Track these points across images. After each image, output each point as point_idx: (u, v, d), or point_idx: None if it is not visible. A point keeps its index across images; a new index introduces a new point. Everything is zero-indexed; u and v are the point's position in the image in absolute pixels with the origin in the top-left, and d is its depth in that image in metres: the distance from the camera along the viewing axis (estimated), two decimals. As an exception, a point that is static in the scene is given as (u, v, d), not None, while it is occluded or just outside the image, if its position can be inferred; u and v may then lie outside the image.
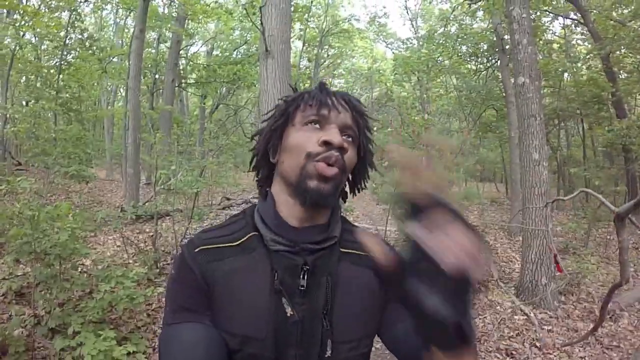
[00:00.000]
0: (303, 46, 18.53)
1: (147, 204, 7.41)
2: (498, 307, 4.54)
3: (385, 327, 0.79)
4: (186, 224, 5.76)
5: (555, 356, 3.53)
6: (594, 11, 12.44)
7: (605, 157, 14.18)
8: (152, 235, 5.91)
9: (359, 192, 0.87)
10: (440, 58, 14.67)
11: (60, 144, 7.07)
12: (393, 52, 20.83)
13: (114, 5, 14.36)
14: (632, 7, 10.85)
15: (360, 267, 0.78)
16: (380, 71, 22.35)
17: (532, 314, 4.30)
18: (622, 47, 11.57)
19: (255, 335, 0.70)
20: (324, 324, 0.72)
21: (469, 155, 16.14)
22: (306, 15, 16.51)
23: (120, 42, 17.35)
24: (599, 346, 3.74)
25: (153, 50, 15.79)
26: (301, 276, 0.72)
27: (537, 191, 4.54)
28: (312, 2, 16.66)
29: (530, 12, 12.44)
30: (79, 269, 3.43)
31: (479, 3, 12.08)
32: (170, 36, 14.19)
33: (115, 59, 15.53)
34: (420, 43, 18.74)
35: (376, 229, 8.19)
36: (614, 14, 11.81)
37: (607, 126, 10.88)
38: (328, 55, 20.66)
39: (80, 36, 12.41)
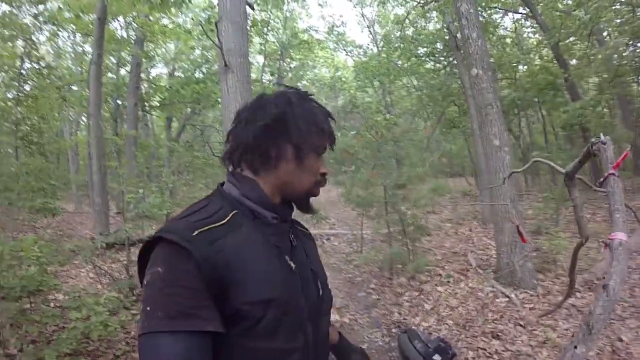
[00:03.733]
0: (264, 60, 18.58)
1: (117, 232, 7.21)
2: (479, 294, 4.62)
3: None
4: None
5: (540, 332, 3.62)
6: (541, 4, 13.10)
7: (566, 140, 14.77)
8: (125, 264, 5.75)
9: None
10: (399, 61, 15.06)
11: (22, 179, 6.80)
12: (353, 60, 21.22)
13: (70, 32, 14.00)
14: None
15: (307, 237, 1.05)
16: (343, 79, 22.67)
17: (513, 295, 4.41)
18: (570, 36, 12.20)
19: (274, 296, 0.76)
20: (311, 268, 0.93)
21: (434, 150, 16.59)
22: (265, 29, 16.61)
23: (79, 69, 16.93)
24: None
25: (113, 76, 15.46)
26: (290, 236, 0.92)
27: (501, 175, 4.67)
28: (270, 16, 16.77)
29: (481, 9, 13.11)
30: (51, 304, 3.30)
31: (432, 4, 12.51)
32: (130, 59, 13.95)
33: (75, 87, 15.11)
34: (379, 48, 19.17)
35: (352, 234, 8.24)
36: (559, 5, 12.45)
37: (562, 109, 11.42)
38: (290, 67, 20.78)
39: (37, 65, 12.02)
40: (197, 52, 17.98)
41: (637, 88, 12.93)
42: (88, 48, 16.24)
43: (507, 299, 4.39)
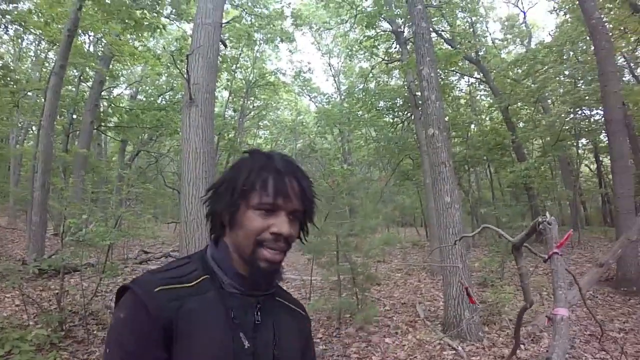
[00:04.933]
0: (229, 96, 18.67)
1: (53, 257, 6.70)
2: (427, 346, 4.66)
3: None
4: (97, 280, 5.22)
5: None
6: (494, 71, 14.32)
7: (512, 196, 15.74)
8: (57, 293, 5.32)
9: None
10: (360, 112, 15.70)
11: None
12: (316, 106, 21.90)
13: (36, 35, 13.43)
14: (525, 68, 12.61)
15: (290, 315, 0.96)
16: (304, 123, 23.24)
17: (459, 348, 4.49)
18: (518, 101, 13.36)
19: None
20: (274, 352, 0.86)
21: (388, 202, 17.10)
22: (234, 66, 16.82)
23: (38, 75, 16.16)
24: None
25: (73, 89, 14.87)
26: (256, 313, 0.86)
27: (451, 231, 4.90)
28: (240, 53, 17.05)
29: (440, 72, 14.10)
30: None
31: (395, 63, 13.30)
32: (93, 75, 13.53)
33: (30, 94, 14.34)
34: (342, 97, 19.93)
35: (302, 279, 8.15)
36: (510, 73, 13.66)
37: (509, 169, 12.30)
38: (254, 106, 21.01)
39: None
40: (163, 78, 17.83)
41: (576, 151, 14.14)
42: (51, 55, 15.66)
43: (454, 352, 4.46)
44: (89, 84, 14.47)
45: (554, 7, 15.06)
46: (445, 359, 4.31)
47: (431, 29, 13.35)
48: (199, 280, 0.82)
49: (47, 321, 4.23)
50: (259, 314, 0.86)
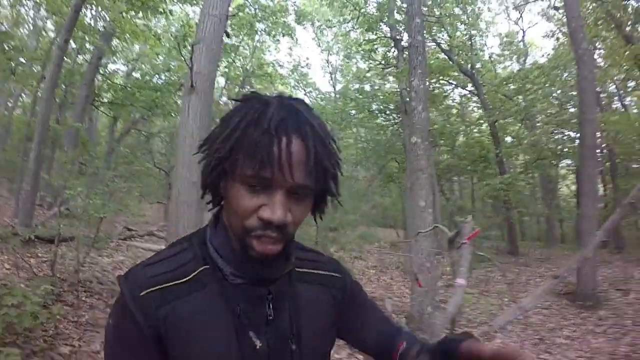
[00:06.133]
0: (226, 83, 18.79)
1: (38, 227, 6.85)
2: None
3: (353, 332, 0.85)
4: (85, 251, 5.38)
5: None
6: (487, 85, 14.82)
7: (494, 208, 16.34)
8: (46, 261, 5.51)
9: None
10: (353, 111, 16.05)
11: None
12: (311, 101, 22.10)
13: (36, 3, 13.34)
14: (517, 85, 13.11)
15: (315, 285, 0.79)
16: (297, 117, 23.29)
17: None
18: (507, 117, 13.86)
19: None
20: (292, 348, 0.71)
21: (370, 201, 17.57)
22: (233, 54, 16.97)
23: (34, 44, 16.03)
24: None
25: (69, 60, 14.83)
26: (267, 305, 0.70)
27: (423, 233, 5.28)
28: (241, 41, 17.20)
29: (434, 80, 14.52)
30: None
31: (391, 68, 13.68)
32: (92, 50, 13.50)
33: (23, 60, 14.25)
34: (337, 96, 20.23)
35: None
36: (503, 89, 14.15)
37: (485, 181, 12.87)
38: (249, 94, 21.13)
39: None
40: (161, 58, 17.87)
41: (556, 171, 14.73)
42: (49, 25, 15.53)
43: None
44: (87, 56, 14.43)
45: (548, 32, 15.62)
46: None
47: (430, 39, 13.83)
48: (196, 272, 0.68)
49: (38, 286, 4.48)
50: (271, 305, 0.71)
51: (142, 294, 0.65)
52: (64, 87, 14.71)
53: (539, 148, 12.72)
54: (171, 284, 0.66)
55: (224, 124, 0.66)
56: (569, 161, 15.31)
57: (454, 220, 14.40)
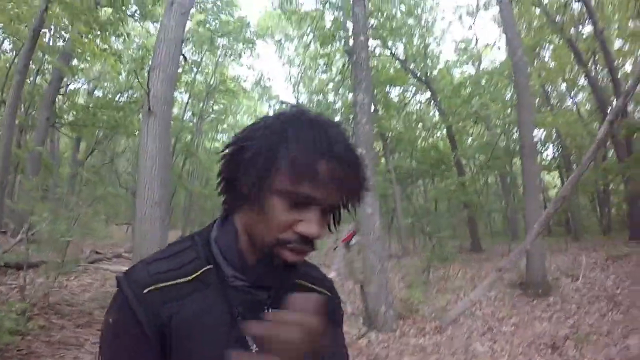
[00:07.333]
0: (189, 99, 18.85)
1: (5, 253, 6.83)
2: (346, 336, 5.46)
3: None
4: (53, 275, 5.48)
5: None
6: (443, 90, 15.53)
7: (454, 208, 17.00)
8: (14, 287, 5.57)
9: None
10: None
11: None
12: (275, 112, 22.29)
13: None
14: (471, 89, 13.90)
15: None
16: (263, 129, 23.55)
17: (373, 336, 5.34)
18: (461, 120, 14.61)
19: None
20: None
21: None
22: (195, 69, 17.10)
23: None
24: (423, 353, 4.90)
25: (29, 81, 14.54)
26: (267, 310, 0.71)
27: (372, 235, 5.77)
28: (201, 58, 17.36)
29: (395, 87, 15.12)
30: None
31: (347, 81, 14.25)
32: (52, 71, 13.23)
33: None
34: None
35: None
36: (459, 93, 14.88)
37: (438, 184, 13.57)
38: (213, 110, 21.21)
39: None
40: (123, 75, 17.71)
41: (509, 169, 15.55)
42: (7, 45, 15.16)
43: (368, 340, 5.29)
44: (47, 76, 14.18)
45: (489, 43, 16.68)
46: (360, 345, 5.13)
47: (386, 49, 14.45)
48: (199, 272, 0.69)
49: (12, 304, 4.52)
50: (270, 310, 0.71)
51: (145, 291, 0.65)
52: (27, 110, 14.41)
53: (489, 147, 13.46)
54: (174, 282, 0.67)
55: (276, 132, 0.66)
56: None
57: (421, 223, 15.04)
